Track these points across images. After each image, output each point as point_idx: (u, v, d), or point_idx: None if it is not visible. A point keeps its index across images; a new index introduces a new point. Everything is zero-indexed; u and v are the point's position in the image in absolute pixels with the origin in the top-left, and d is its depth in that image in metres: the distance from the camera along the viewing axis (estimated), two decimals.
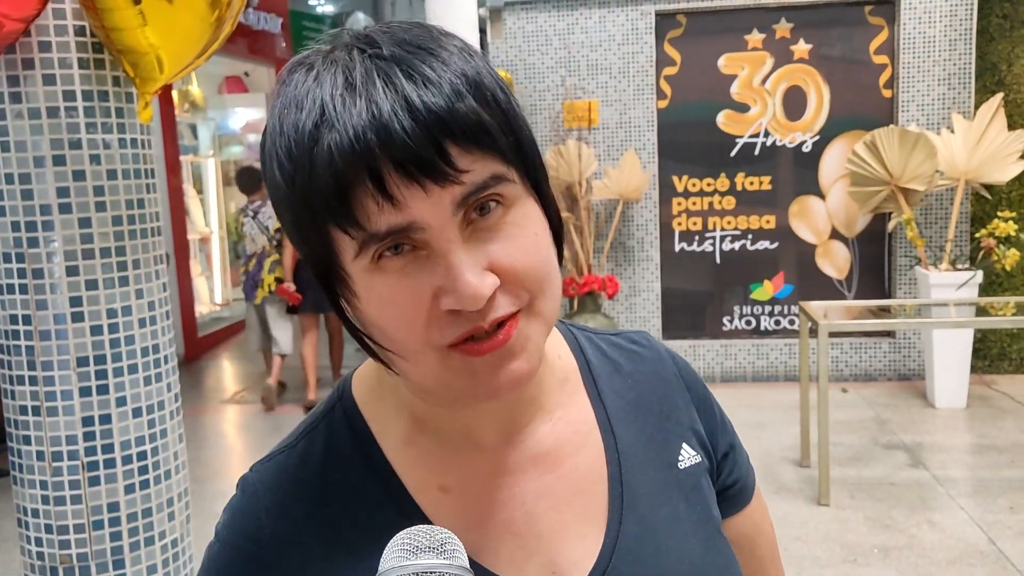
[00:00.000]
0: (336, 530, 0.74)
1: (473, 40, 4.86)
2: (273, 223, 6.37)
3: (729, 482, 0.89)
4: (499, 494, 0.76)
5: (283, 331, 6.44)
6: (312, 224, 0.65)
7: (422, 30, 0.67)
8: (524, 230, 0.67)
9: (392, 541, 0.63)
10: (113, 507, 2.27)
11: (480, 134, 0.63)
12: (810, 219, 6.58)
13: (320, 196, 0.62)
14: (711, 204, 6.65)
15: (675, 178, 6.65)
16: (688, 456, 0.84)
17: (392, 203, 0.61)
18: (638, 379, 0.86)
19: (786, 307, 6.67)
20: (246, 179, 6.73)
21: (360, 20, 12.05)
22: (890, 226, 6.18)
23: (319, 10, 14.20)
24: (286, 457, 0.79)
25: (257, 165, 9.10)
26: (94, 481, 2.24)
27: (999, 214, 5.83)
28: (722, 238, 6.67)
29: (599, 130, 6.58)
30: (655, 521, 0.79)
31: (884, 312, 5.12)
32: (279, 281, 6.31)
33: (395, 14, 14.20)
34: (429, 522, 0.73)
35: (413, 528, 0.64)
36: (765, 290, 6.69)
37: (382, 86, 0.61)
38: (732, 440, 0.90)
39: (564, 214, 6.10)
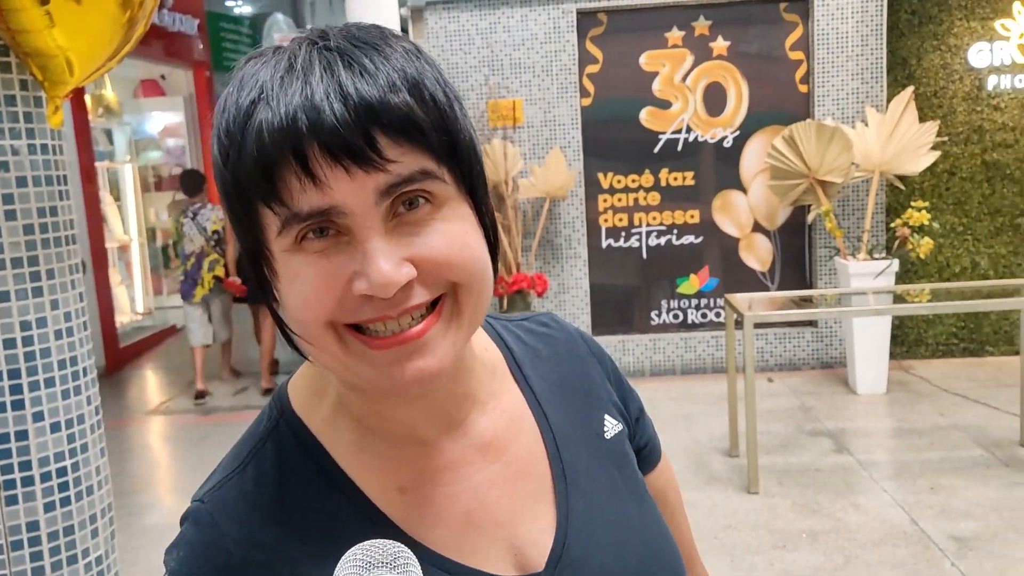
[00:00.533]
0: (307, 548, 0.74)
1: None
2: (211, 225, 6.75)
3: (643, 443, 0.96)
4: (453, 488, 0.78)
5: (222, 325, 7.02)
6: (241, 201, 0.67)
7: (376, 31, 0.69)
8: (451, 226, 0.68)
9: (345, 556, 0.64)
10: (32, 526, 2.19)
11: (410, 128, 0.65)
12: (733, 213, 6.70)
13: (247, 171, 0.64)
14: (636, 200, 6.72)
15: (600, 175, 6.71)
16: (611, 426, 0.90)
17: (314, 182, 0.63)
18: (557, 361, 0.91)
19: (712, 300, 6.78)
20: (188, 181, 7.01)
21: (279, 21, 11.88)
22: (809, 218, 6.34)
23: (237, 11, 13.95)
24: (239, 482, 0.76)
25: (198, 168, 9.24)
26: (11, 500, 2.16)
27: (913, 204, 6.02)
28: (648, 233, 6.75)
29: (524, 129, 6.60)
30: (596, 492, 0.84)
31: (806, 302, 5.25)
32: (218, 279, 6.76)
33: (315, 15, 14.03)
34: (395, 526, 0.75)
35: (366, 543, 0.65)
36: (691, 284, 6.79)
37: (320, 72, 0.63)
38: (639, 404, 0.97)
39: None
